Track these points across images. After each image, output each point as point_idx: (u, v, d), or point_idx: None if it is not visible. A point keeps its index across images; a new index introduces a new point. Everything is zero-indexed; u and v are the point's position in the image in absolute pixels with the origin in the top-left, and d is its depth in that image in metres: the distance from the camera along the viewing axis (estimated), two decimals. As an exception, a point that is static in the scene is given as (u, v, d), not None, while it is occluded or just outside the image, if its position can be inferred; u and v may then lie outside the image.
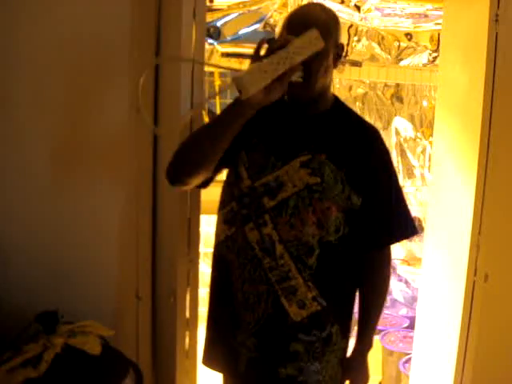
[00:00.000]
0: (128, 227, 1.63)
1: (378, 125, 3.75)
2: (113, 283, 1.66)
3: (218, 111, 3.23)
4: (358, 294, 1.48)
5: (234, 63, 2.99)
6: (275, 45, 1.18)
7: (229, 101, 3.33)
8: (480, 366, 1.85)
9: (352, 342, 1.50)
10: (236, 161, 1.38)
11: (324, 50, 1.28)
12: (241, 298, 1.39)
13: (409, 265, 3.65)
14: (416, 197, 3.86)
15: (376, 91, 3.81)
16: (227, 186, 1.44)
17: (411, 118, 3.88)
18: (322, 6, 1.40)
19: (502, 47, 1.71)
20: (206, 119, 3.02)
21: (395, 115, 3.86)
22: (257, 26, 3.04)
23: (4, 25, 1.49)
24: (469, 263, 1.79)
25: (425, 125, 3.86)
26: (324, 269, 1.36)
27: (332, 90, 1.48)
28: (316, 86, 1.33)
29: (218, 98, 3.22)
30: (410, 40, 3.47)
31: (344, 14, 3.12)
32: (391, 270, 1.50)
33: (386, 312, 3.15)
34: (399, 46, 3.48)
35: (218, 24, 3.07)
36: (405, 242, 3.64)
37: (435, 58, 3.41)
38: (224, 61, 3.09)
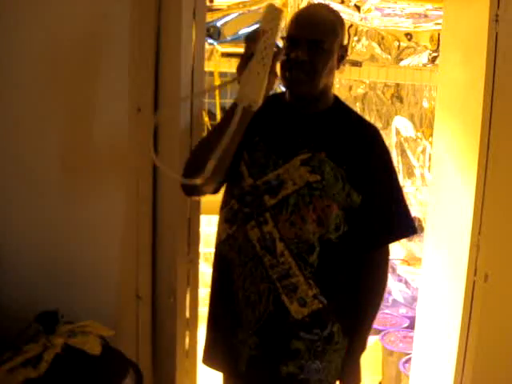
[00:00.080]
0: (128, 227, 1.63)
1: (378, 125, 3.75)
2: (113, 283, 1.66)
3: (218, 111, 3.23)
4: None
5: (234, 63, 2.99)
6: (249, 41, 1.21)
7: (229, 101, 3.34)
8: (480, 366, 1.85)
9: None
10: (237, 160, 1.38)
11: (329, 50, 1.31)
12: (242, 297, 1.39)
13: (409, 265, 3.65)
14: (416, 197, 3.86)
15: (376, 91, 3.81)
16: (228, 185, 1.44)
17: (411, 118, 3.88)
18: (327, 7, 1.42)
19: (502, 47, 1.71)
20: (206, 119, 3.03)
21: (395, 115, 3.86)
22: (257, 25, 3.05)
23: (3, 25, 1.49)
24: (469, 263, 1.79)
25: (425, 125, 3.86)
26: (325, 267, 1.37)
27: (332, 89, 1.48)
28: (319, 85, 1.34)
29: (218, 98, 3.23)
30: (409, 40, 3.48)
31: (344, 14, 3.12)
32: (389, 270, 1.50)
33: (386, 312, 3.15)
34: (399, 46, 3.48)
35: (218, 24, 3.08)
36: (405, 241, 3.65)
37: (435, 57, 3.41)
38: (224, 61, 3.10)
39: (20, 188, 1.56)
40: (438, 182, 2.08)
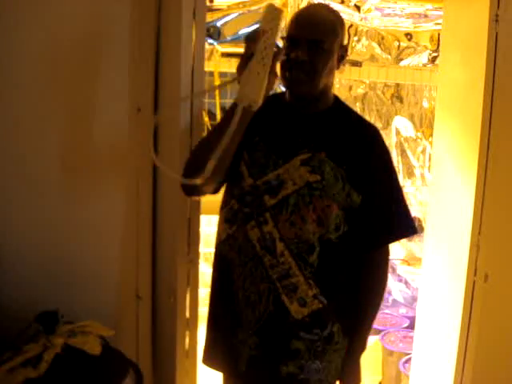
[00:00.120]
0: (128, 227, 1.63)
1: (378, 125, 3.75)
2: (113, 283, 1.66)
3: (218, 111, 3.23)
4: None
5: (234, 63, 2.99)
6: (249, 41, 1.21)
7: (229, 101, 3.34)
8: (480, 366, 1.84)
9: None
10: (238, 160, 1.38)
11: (329, 50, 1.32)
12: (242, 297, 1.39)
13: (409, 265, 3.64)
14: (416, 197, 3.86)
15: (376, 91, 3.81)
16: (228, 185, 1.44)
17: (411, 118, 3.88)
18: (328, 7, 1.42)
19: (502, 47, 1.71)
20: (206, 119, 3.03)
21: (395, 115, 3.86)
22: (257, 25, 3.05)
23: (3, 25, 1.49)
24: (469, 263, 1.79)
25: (425, 125, 3.86)
26: (325, 267, 1.37)
27: (332, 89, 1.49)
28: (319, 85, 1.34)
29: (218, 98, 3.23)
30: (409, 40, 3.48)
31: (344, 14, 3.12)
32: (389, 270, 1.50)
33: (386, 312, 3.15)
34: (399, 46, 3.48)
35: (218, 24, 3.08)
36: (405, 241, 3.65)
37: (435, 57, 3.41)
38: (224, 61, 3.10)
39: (20, 188, 1.56)
40: (438, 181, 2.08)
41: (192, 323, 1.68)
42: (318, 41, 1.30)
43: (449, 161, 1.97)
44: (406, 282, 3.45)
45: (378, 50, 3.44)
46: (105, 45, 1.56)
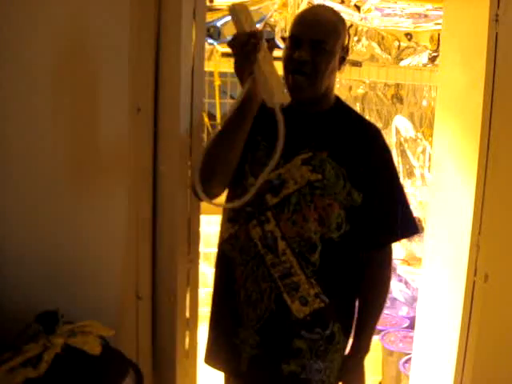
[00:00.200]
0: (128, 227, 1.63)
1: (378, 125, 3.74)
2: (113, 283, 1.66)
3: (218, 112, 3.23)
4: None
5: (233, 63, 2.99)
6: (238, 44, 1.23)
7: (229, 101, 3.34)
8: (480, 366, 1.85)
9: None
10: (240, 159, 1.38)
11: (332, 51, 1.33)
12: (243, 295, 1.39)
13: (409, 265, 3.64)
14: (416, 197, 3.85)
15: (376, 91, 3.81)
16: (231, 184, 1.44)
17: (411, 118, 3.88)
18: (330, 8, 1.44)
19: (502, 47, 1.71)
20: (206, 120, 3.03)
21: (395, 115, 3.86)
22: (257, 26, 3.04)
23: (3, 25, 1.48)
24: (469, 263, 1.79)
25: (425, 125, 3.86)
26: (327, 266, 1.37)
27: (334, 90, 1.49)
28: (321, 87, 1.35)
29: (217, 98, 3.22)
30: (410, 40, 3.48)
31: (344, 14, 3.11)
32: (392, 270, 1.50)
33: (386, 312, 3.15)
34: (399, 46, 3.48)
35: (218, 24, 3.08)
36: (405, 241, 3.64)
37: (435, 57, 3.41)
38: (224, 61, 3.10)
39: (20, 188, 1.56)
40: (438, 182, 2.08)
41: (192, 323, 1.68)
42: (320, 41, 1.31)
43: (449, 161, 1.97)
44: (406, 282, 3.45)
45: (377, 50, 3.43)
46: (105, 45, 1.56)
